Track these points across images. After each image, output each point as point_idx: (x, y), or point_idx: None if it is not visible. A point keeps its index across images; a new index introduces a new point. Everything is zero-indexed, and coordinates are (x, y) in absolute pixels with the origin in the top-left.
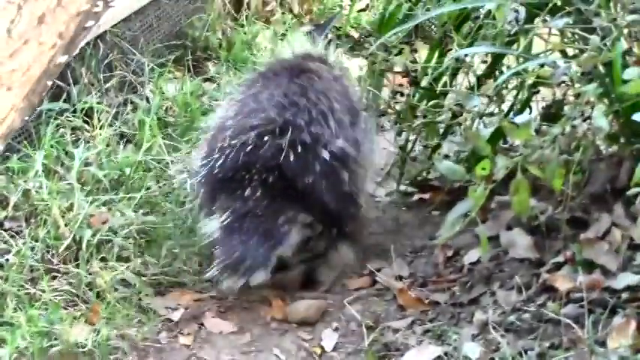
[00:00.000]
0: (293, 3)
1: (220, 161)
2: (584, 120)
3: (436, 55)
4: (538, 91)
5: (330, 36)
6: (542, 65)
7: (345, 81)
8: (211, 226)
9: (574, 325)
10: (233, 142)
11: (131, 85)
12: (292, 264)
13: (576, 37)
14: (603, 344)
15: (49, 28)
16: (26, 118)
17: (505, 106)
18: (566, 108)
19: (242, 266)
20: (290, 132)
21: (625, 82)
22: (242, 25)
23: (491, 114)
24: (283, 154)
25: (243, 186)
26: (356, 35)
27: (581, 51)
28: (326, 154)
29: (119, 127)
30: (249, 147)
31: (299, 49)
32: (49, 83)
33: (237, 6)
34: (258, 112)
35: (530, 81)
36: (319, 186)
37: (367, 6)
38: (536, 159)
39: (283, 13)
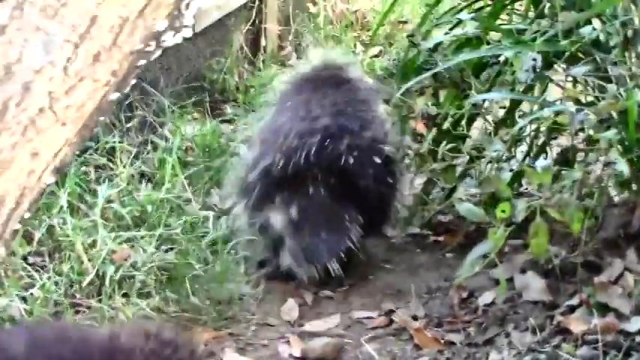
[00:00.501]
0: (308, 49)
1: (283, 161)
2: (604, 166)
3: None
4: (556, 137)
5: None
6: (557, 113)
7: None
8: (276, 219)
9: None
10: (295, 143)
11: (151, 125)
12: None
13: (590, 85)
14: None
15: (103, 66)
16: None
17: (519, 151)
18: (581, 154)
19: (315, 256)
20: (347, 137)
21: None
22: (259, 69)
23: (509, 158)
24: (344, 158)
25: (307, 185)
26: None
27: (597, 99)
28: (378, 159)
29: (140, 167)
30: (313, 149)
31: (331, 60)
32: (101, 119)
33: (254, 50)
34: (313, 117)
35: (544, 127)
36: (374, 188)
37: (380, 52)
38: (555, 202)
39: (299, 58)
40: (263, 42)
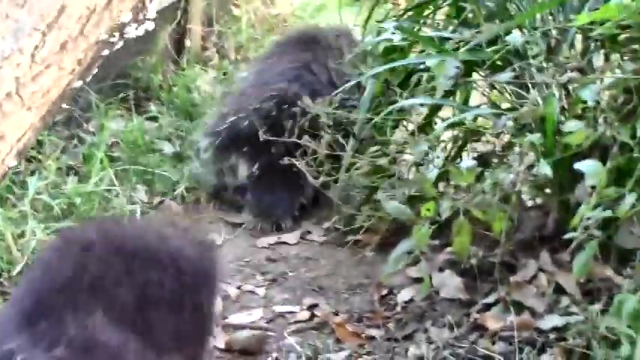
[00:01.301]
0: (230, 50)
1: (246, 122)
2: (527, 169)
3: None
4: (478, 139)
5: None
6: (476, 118)
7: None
8: (243, 168)
9: None
10: (256, 106)
11: (77, 120)
12: None
13: (509, 92)
14: None
15: (69, 55)
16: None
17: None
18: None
19: (273, 213)
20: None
21: (567, 133)
22: (183, 69)
23: (429, 161)
24: (298, 122)
25: (269, 145)
26: None
27: (514, 106)
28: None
29: (67, 160)
30: (271, 113)
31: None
32: (63, 106)
33: (178, 49)
34: (272, 82)
35: (461, 133)
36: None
37: None
38: (477, 203)
39: (221, 59)
40: (187, 42)
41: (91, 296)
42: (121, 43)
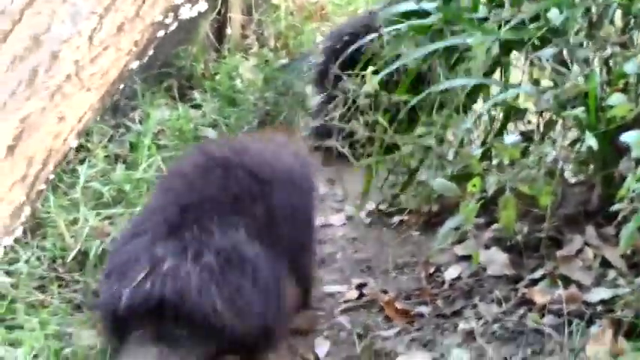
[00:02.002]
0: (270, 38)
1: None
2: (570, 144)
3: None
4: (521, 118)
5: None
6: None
7: None
8: None
9: (554, 333)
10: None
11: (123, 110)
12: None
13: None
14: (581, 352)
15: (126, 36)
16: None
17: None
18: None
19: None
20: None
21: (610, 107)
22: (224, 57)
23: (473, 139)
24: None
25: None
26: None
27: (558, 82)
28: None
29: (114, 148)
30: None
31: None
32: (122, 86)
33: (219, 39)
34: None
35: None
36: None
37: None
38: (523, 178)
39: (262, 47)
40: (228, 31)
41: (233, 212)
42: (175, 24)
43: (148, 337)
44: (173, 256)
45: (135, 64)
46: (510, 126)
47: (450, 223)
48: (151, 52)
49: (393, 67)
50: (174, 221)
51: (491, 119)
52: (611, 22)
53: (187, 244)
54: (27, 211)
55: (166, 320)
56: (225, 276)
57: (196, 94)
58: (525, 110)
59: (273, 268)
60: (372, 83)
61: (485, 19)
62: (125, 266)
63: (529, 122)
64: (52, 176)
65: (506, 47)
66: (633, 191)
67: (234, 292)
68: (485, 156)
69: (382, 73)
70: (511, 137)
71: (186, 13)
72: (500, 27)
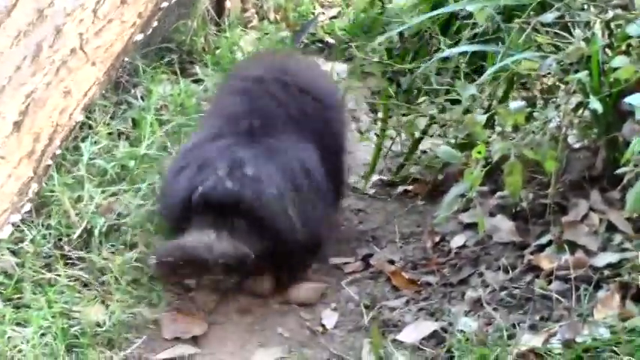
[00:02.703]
0: (269, 11)
1: None
2: (573, 110)
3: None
4: (525, 84)
5: (306, 41)
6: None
7: None
8: None
9: (562, 299)
10: None
11: (124, 86)
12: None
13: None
14: (589, 316)
15: (130, 9)
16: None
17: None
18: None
19: None
20: None
21: (614, 70)
22: (224, 31)
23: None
24: None
25: None
26: (331, 41)
27: (557, 48)
28: None
29: (117, 125)
30: None
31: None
32: (127, 59)
33: (218, 13)
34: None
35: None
36: None
37: (339, 13)
38: (528, 143)
39: (261, 20)
40: (227, 4)
41: (300, 127)
42: None
43: (209, 223)
44: (253, 160)
45: (139, 37)
46: (514, 92)
47: (455, 190)
48: (155, 24)
49: (394, 32)
50: (251, 128)
51: (495, 86)
52: None
53: (266, 152)
54: (34, 187)
55: (231, 214)
56: (298, 187)
57: (197, 69)
58: (529, 76)
59: (328, 181)
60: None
61: None
62: (204, 163)
63: (532, 88)
64: (58, 151)
65: (508, 13)
66: (638, 154)
67: (305, 203)
68: (489, 123)
69: (382, 37)
70: (515, 103)
71: None
72: None
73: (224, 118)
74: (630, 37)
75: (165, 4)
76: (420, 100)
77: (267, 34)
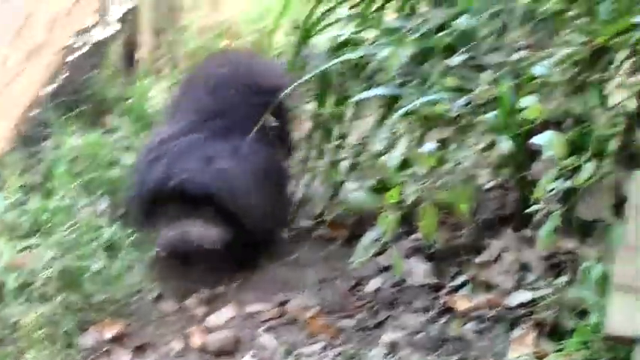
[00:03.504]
0: (180, 58)
1: None
2: (483, 150)
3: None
4: (436, 125)
5: None
6: (434, 103)
7: None
8: None
9: (477, 339)
10: None
11: (36, 138)
12: None
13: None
14: (504, 356)
15: (37, 62)
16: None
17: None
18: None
19: None
20: None
21: (522, 109)
22: (136, 80)
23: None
24: None
25: None
26: None
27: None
28: None
29: (29, 178)
30: None
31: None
32: (36, 112)
33: (129, 62)
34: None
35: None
36: None
37: None
38: (441, 185)
39: (173, 68)
40: (138, 54)
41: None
42: (86, 48)
43: (183, 212)
44: (225, 156)
45: (48, 90)
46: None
47: (370, 234)
48: (62, 77)
49: (306, 77)
50: (222, 125)
51: (410, 128)
52: (520, 24)
53: (235, 148)
54: None
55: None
56: (263, 183)
57: (110, 119)
58: (441, 117)
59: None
60: None
61: (398, 29)
62: (178, 156)
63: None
64: None
65: (419, 56)
66: (548, 192)
67: (269, 197)
68: (405, 165)
69: (296, 83)
70: (427, 145)
71: (98, 35)
72: (411, 36)
73: (194, 113)
74: (537, 77)
75: (71, 58)
76: (336, 143)
77: (177, 81)
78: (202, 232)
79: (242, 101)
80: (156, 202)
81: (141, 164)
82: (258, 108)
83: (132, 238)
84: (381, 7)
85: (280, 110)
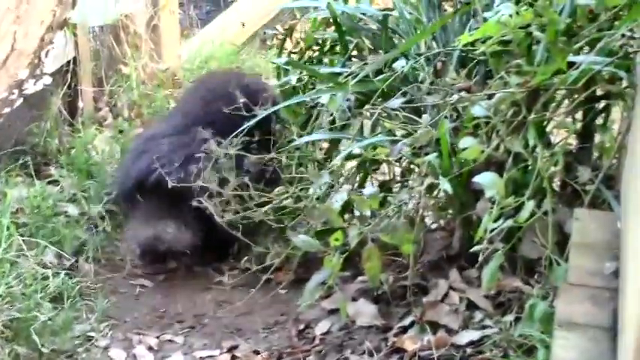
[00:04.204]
0: (123, 108)
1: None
2: (426, 191)
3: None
4: (377, 168)
5: None
6: (374, 148)
7: None
8: None
9: None
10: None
11: None
12: None
13: (402, 119)
14: None
15: None
16: None
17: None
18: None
19: None
20: None
21: (463, 151)
22: (78, 130)
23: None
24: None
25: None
26: None
27: (411, 130)
28: None
29: None
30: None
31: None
32: None
33: (71, 112)
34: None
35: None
36: None
37: None
38: (384, 228)
39: (116, 117)
40: (80, 104)
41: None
42: (20, 100)
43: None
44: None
45: None
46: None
47: (316, 278)
48: (7, 126)
49: (248, 125)
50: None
51: (355, 171)
52: (458, 66)
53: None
54: None
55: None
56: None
57: (53, 170)
58: (382, 161)
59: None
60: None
61: (339, 73)
62: (162, 154)
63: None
64: None
65: (359, 100)
66: (491, 231)
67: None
68: (347, 209)
69: (237, 131)
70: (369, 189)
71: (32, 87)
72: (350, 80)
73: (185, 117)
74: (476, 117)
75: (7, 110)
76: (278, 190)
77: (121, 131)
78: (175, 234)
79: (228, 112)
80: (137, 192)
81: (128, 156)
82: (243, 118)
83: (78, 287)
84: (321, 53)
85: (266, 121)
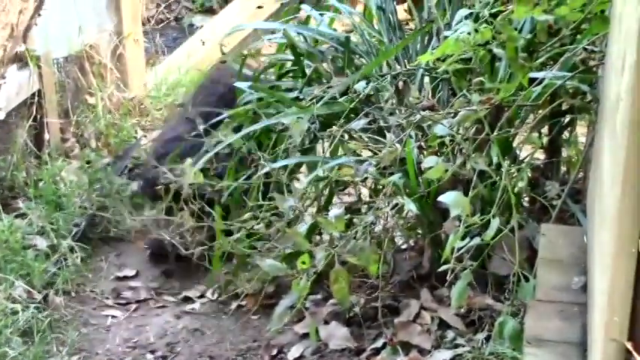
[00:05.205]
0: (90, 138)
1: None
2: (392, 209)
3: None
4: (344, 189)
5: (129, 165)
6: (339, 169)
7: None
8: None
9: None
10: None
11: None
12: None
13: (367, 139)
14: None
15: None
16: None
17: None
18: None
19: None
20: None
21: (427, 170)
22: (45, 162)
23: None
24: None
25: None
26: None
27: (376, 151)
28: None
29: None
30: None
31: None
32: None
33: (38, 145)
34: None
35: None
36: None
37: None
38: (351, 249)
39: (83, 148)
40: (46, 136)
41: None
42: None
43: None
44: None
45: None
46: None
47: (285, 302)
48: None
49: (210, 154)
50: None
51: (318, 195)
52: (421, 86)
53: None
54: None
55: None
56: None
57: (21, 203)
58: (348, 182)
59: None
60: (191, 173)
61: (299, 98)
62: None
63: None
64: None
65: (322, 123)
66: (459, 250)
67: None
68: (314, 232)
69: (200, 161)
70: (334, 210)
71: None
72: (314, 104)
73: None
74: (441, 136)
75: None
76: (245, 216)
77: (89, 162)
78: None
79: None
80: (156, 196)
81: (151, 159)
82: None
83: (48, 321)
84: (283, 75)
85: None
